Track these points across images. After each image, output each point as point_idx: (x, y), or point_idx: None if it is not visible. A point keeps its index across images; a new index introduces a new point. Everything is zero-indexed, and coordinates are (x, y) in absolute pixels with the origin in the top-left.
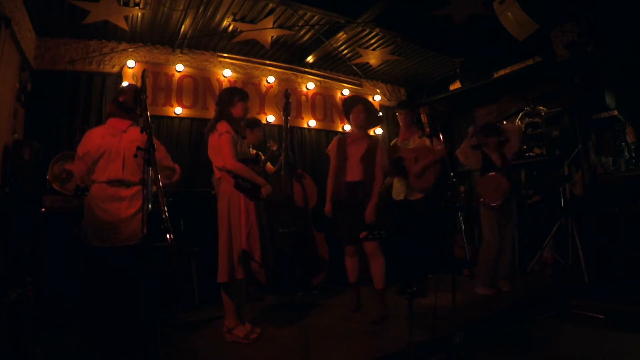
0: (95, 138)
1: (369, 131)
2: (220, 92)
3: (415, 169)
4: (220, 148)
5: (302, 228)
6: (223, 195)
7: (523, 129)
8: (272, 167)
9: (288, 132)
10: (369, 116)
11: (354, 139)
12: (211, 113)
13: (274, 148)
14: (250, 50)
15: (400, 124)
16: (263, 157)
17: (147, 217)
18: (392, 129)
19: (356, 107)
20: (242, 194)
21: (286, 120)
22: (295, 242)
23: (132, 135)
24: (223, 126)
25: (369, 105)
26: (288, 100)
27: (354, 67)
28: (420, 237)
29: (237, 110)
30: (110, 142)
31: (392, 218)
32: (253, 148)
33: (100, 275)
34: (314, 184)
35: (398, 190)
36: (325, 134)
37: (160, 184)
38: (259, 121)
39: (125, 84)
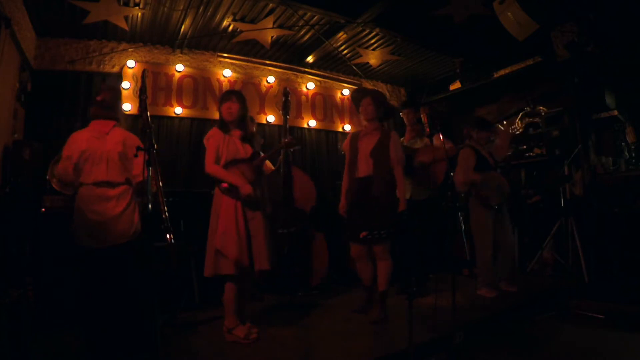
0: (81, 141)
1: (382, 124)
2: None
3: (423, 159)
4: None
5: (301, 228)
6: (214, 196)
7: (521, 131)
8: (272, 166)
9: (287, 132)
10: (379, 108)
11: (365, 133)
12: (211, 113)
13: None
14: (250, 50)
15: (406, 123)
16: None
17: (147, 217)
18: (392, 129)
19: (364, 99)
20: (224, 194)
21: (285, 120)
22: (295, 242)
23: (115, 137)
24: (210, 132)
25: (377, 97)
26: (287, 99)
27: (354, 67)
28: (421, 237)
29: (222, 113)
30: (95, 145)
31: (395, 218)
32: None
33: (98, 275)
34: (313, 184)
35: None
36: (326, 134)
37: (161, 184)
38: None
39: (126, 84)
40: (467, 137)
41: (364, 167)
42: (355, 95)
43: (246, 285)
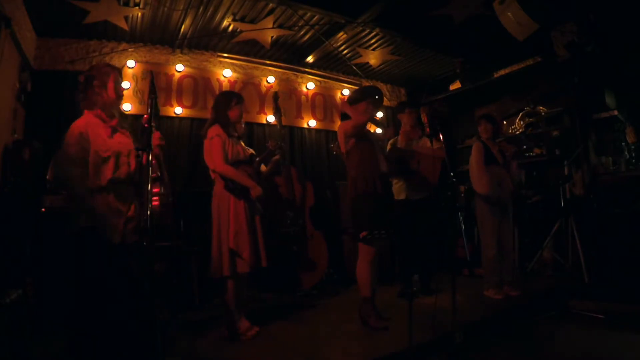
0: None
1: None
2: (217, 96)
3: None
4: (210, 151)
5: (301, 227)
6: (215, 196)
7: (521, 131)
8: (265, 167)
9: (282, 133)
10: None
11: (371, 132)
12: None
13: (271, 147)
14: (250, 50)
15: (409, 122)
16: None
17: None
18: (392, 129)
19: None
20: (232, 195)
21: (279, 122)
22: (294, 241)
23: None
24: (213, 130)
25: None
26: (277, 104)
27: (354, 67)
28: (423, 237)
29: (234, 113)
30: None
31: (391, 218)
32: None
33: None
34: (311, 183)
35: (398, 190)
36: (326, 134)
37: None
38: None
39: (126, 84)
40: (478, 135)
41: (384, 163)
42: (365, 90)
43: (244, 282)
